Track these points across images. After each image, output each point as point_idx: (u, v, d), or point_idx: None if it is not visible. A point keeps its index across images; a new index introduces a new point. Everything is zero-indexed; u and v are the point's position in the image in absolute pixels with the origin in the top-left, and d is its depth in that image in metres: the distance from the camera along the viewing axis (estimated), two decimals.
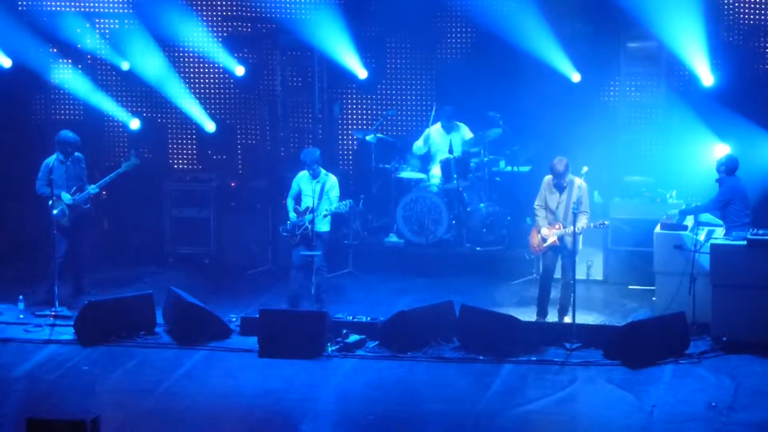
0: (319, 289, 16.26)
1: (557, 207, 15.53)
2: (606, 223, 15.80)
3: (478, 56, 19.87)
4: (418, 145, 19.13)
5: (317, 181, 16.37)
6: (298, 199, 16.46)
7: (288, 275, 16.59)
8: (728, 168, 15.97)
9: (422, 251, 18.64)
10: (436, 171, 19.01)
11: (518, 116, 19.20)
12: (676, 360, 14.56)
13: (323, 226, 16.34)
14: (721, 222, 15.99)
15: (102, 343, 15.33)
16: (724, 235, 15.60)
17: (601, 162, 19.01)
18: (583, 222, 15.40)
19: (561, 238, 15.47)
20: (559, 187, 15.52)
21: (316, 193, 16.28)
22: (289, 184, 16.81)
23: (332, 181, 16.44)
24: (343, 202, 16.30)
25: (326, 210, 16.25)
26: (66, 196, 16.68)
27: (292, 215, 16.36)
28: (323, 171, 16.45)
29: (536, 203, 15.78)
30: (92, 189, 16.93)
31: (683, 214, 16.41)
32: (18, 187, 18.74)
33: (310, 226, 16.19)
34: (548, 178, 15.69)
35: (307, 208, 16.27)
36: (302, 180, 16.50)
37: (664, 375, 14.20)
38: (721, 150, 17.11)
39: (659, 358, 14.53)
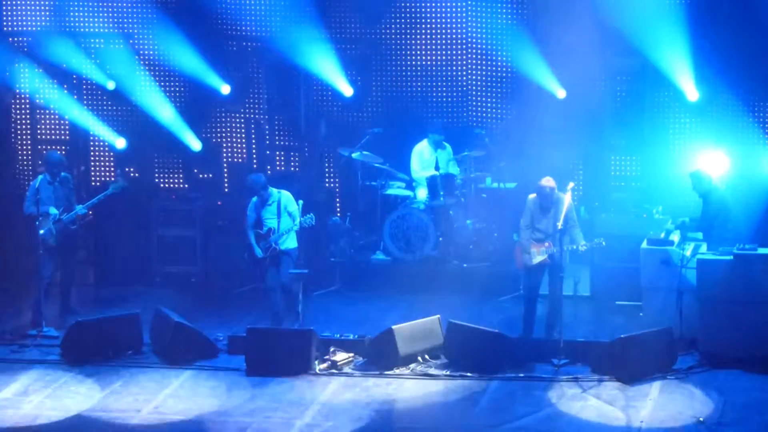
0: (296, 306, 16.37)
1: (546, 225, 15.53)
2: (603, 242, 15.77)
3: (465, 73, 19.90)
4: (415, 169, 19.12)
5: (271, 202, 16.47)
6: (258, 225, 16.52)
7: (268, 298, 16.60)
8: (705, 180, 16.08)
9: (409, 268, 18.61)
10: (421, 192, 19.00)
11: (504, 133, 19.23)
12: (664, 375, 14.57)
13: (290, 243, 16.47)
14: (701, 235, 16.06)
15: (89, 363, 15.30)
16: (709, 249, 15.62)
17: (587, 178, 19.09)
18: (580, 237, 15.43)
19: (551, 256, 15.48)
20: (546, 208, 15.53)
21: (274, 214, 16.43)
22: None
23: (286, 196, 16.57)
24: (307, 216, 16.44)
25: (290, 228, 16.37)
26: (53, 210, 16.65)
27: (258, 251, 16.46)
28: (274, 190, 16.57)
29: (522, 222, 15.77)
30: (80, 209, 16.89)
31: (669, 231, 16.43)
32: (3, 207, 18.70)
33: (277, 247, 16.33)
34: (533, 197, 15.70)
35: (270, 229, 16.43)
36: (257, 206, 16.60)
37: (651, 391, 14.21)
38: (713, 158, 17.11)
39: (647, 373, 14.53)
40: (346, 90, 19.81)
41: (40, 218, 16.57)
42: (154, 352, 15.73)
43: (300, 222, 16.38)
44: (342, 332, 15.85)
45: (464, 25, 19.65)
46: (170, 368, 15.25)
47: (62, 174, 16.89)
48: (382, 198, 19.14)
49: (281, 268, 16.38)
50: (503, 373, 14.73)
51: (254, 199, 16.60)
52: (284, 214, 16.44)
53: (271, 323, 16.39)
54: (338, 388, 14.55)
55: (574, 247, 15.48)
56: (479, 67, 19.85)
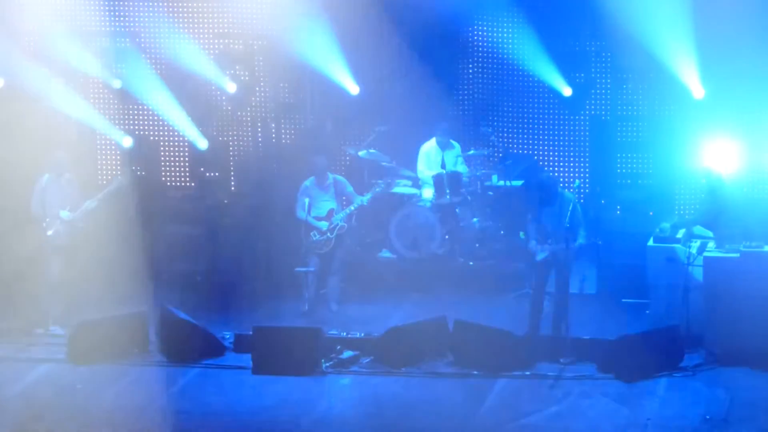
0: (339, 289, 17.29)
1: (549, 221, 15.53)
2: (599, 242, 15.80)
3: (471, 71, 19.89)
4: (421, 169, 19.09)
5: (328, 185, 17.17)
6: (309, 208, 16.92)
7: (303, 283, 17.13)
8: (713, 176, 16.07)
9: (416, 266, 18.60)
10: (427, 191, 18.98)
11: (510, 130, 19.22)
12: (671, 373, 14.57)
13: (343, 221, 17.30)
14: (711, 234, 16.01)
15: (95, 362, 15.31)
16: (716, 246, 15.59)
17: (593, 175, 19.08)
18: (582, 236, 15.42)
19: (555, 252, 15.47)
20: (549, 203, 15.51)
21: (332, 195, 17.23)
22: (283, 200, 17.07)
23: (341, 178, 17.51)
24: (379, 183, 17.67)
25: (360, 202, 17.32)
26: (65, 213, 16.69)
27: (322, 224, 17.02)
28: (329, 173, 17.33)
29: (529, 217, 15.81)
30: (89, 204, 16.89)
31: (675, 227, 16.42)
32: (12, 206, 18.68)
33: (343, 224, 17.15)
34: (538, 192, 15.70)
35: (331, 210, 17.08)
36: (310, 189, 17.19)
37: (658, 388, 14.21)
38: (721, 153, 17.10)
39: (654, 371, 14.53)
40: (353, 88, 19.80)
41: (48, 219, 16.63)
42: (160, 350, 15.75)
43: (373, 192, 17.43)
44: (348, 330, 15.87)
45: (471, 24, 19.64)
46: (176, 366, 15.27)
47: (65, 174, 16.91)
48: (388, 196, 19.12)
49: (345, 246, 17.25)
50: (510, 371, 14.73)
51: (306, 182, 17.21)
52: (341, 194, 17.33)
53: (308, 308, 16.96)
54: (345, 387, 14.56)
55: (576, 244, 15.46)
56: (486, 64, 19.83)
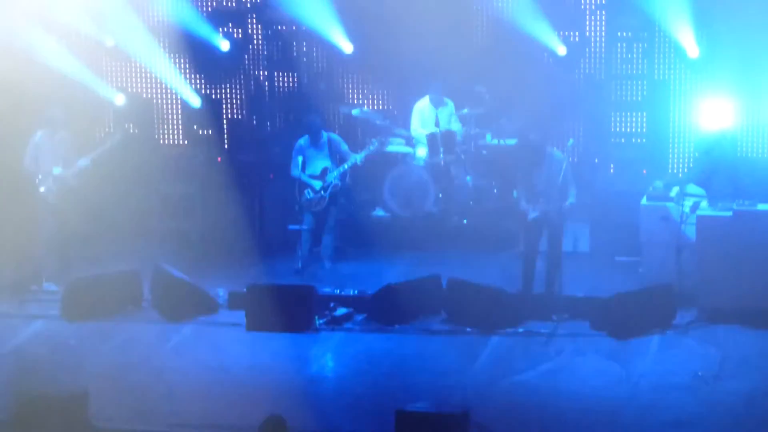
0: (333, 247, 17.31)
1: (539, 180, 15.51)
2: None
3: (464, 29, 19.82)
4: (415, 127, 19.05)
5: (322, 143, 17.13)
6: (303, 167, 16.97)
7: (297, 241, 17.28)
8: (708, 135, 16.09)
9: (409, 225, 18.62)
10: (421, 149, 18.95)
11: (504, 89, 19.16)
12: (663, 330, 14.62)
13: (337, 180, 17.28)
14: (704, 192, 16.02)
15: (89, 319, 15.33)
16: (709, 205, 15.60)
17: (587, 134, 19.07)
18: (572, 195, 15.39)
19: (546, 212, 15.46)
20: (537, 163, 15.46)
21: (327, 154, 17.17)
22: (277, 158, 17.08)
23: (336, 136, 17.46)
24: (373, 141, 17.57)
25: (354, 160, 17.24)
26: (57, 170, 16.67)
27: (316, 182, 17.05)
28: (324, 133, 17.29)
29: (518, 176, 15.79)
30: (82, 162, 16.87)
31: (668, 185, 16.42)
32: (7, 164, 18.65)
33: (338, 183, 17.09)
34: (528, 150, 15.67)
35: (325, 168, 17.02)
36: (304, 148, 17.14)
37: (650, 346, 14.26)
38: (716, 110, 17.07)
39: (646, 329, 14.58)
40: (347, 46, 19.72)
41: (41, 175, 16.61)
42: (154, 307, 15.77)
43: (367, 150, 17.38)
44: (342, 288, 15.90)
45: None
46: (171, 323, 15.30)
47: (61, 131, 16.89)
48: (382, 155, 19.09)
49: (339, 204, 17.29)
50: (503, 328, 14.77)
51: (301, 141, 17.19)
52: (335, 153, 17.22)
53: (301, 264, 17.03)
54: (339, 344, 14.61)
55: (568, 203, 15.45)
56: (480, 23, 19.76)
